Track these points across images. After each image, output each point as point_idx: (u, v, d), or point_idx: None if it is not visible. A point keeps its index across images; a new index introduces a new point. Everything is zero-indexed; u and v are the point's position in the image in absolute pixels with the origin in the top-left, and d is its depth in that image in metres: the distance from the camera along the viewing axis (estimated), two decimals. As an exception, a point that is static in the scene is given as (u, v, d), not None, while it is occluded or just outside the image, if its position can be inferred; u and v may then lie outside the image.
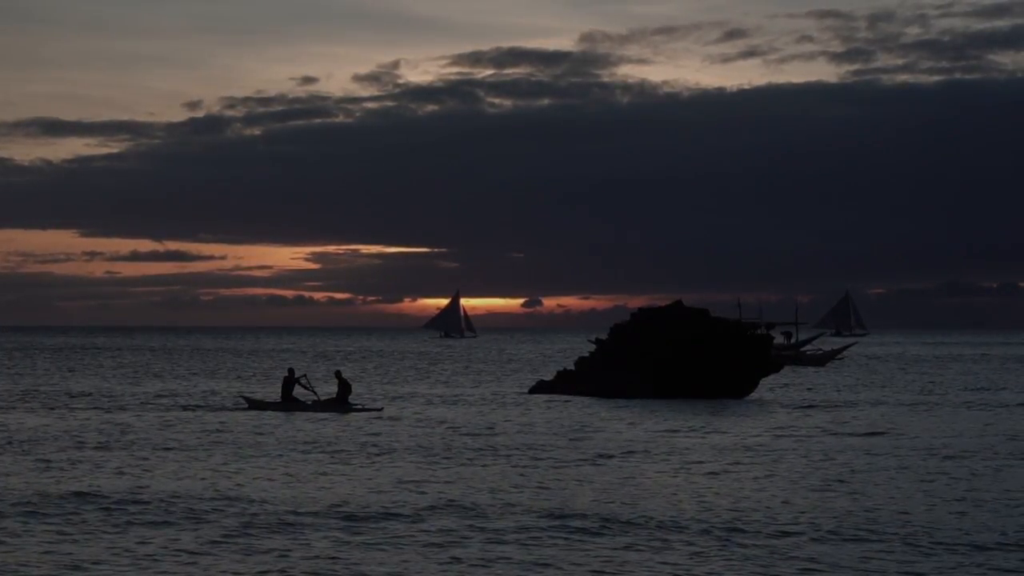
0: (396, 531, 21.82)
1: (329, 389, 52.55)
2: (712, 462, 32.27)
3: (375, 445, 36.37)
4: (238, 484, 27.83)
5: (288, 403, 49.23)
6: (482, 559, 19.65)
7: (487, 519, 23.10)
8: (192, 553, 20.05)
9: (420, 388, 68.80)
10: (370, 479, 28.85)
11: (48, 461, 32.29)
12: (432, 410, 51.33)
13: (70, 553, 20.07)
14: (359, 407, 49.35)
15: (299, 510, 24.04)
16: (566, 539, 21.17)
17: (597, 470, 30.66)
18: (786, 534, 21.64)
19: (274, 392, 55.90)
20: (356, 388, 56.89)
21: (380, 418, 46.26)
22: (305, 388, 49.62)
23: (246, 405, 50.97)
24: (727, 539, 21.19)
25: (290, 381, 49.99)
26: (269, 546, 20.51)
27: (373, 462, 32.17)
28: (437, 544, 20.67)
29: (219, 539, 21.13)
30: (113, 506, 24.60)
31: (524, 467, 31.21)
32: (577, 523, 22.61)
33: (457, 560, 19.57)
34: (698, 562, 19.44)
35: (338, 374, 52.02)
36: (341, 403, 48.86)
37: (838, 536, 21.51)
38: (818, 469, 30.95)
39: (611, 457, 33.32)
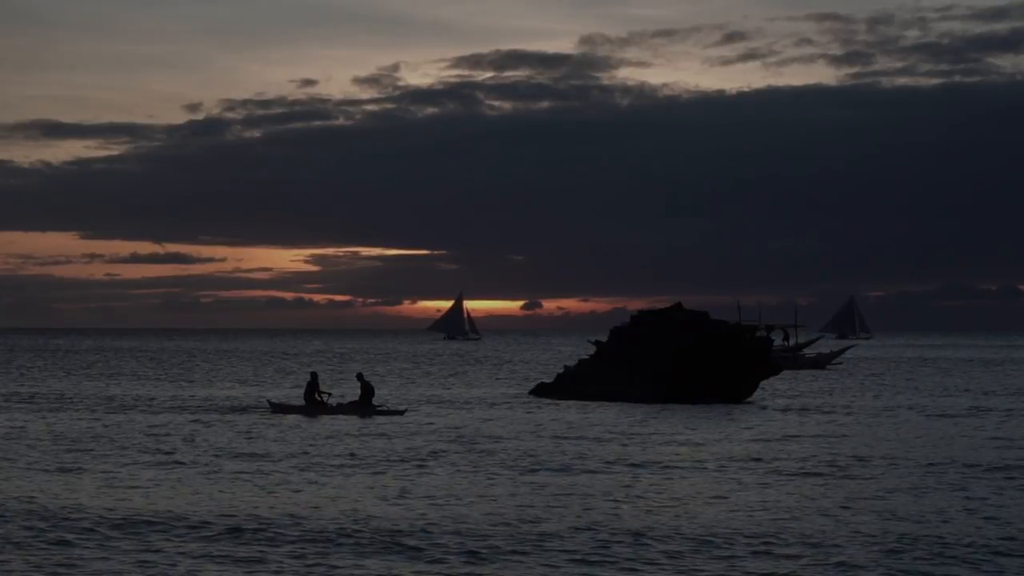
0: (364, 542, 21.48)
1: (350, 393, 52.63)
2: (702, 469, 32.24)
3: (355, 453, 36.33)
4: (220, 492, 28.00)
5: (311, 406, 49.35)
6: (464, 569, 19.70)
7: (471, 527, 23.15)
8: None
9: (419, 390, 68.86)
10: (344, 487, 28.94)
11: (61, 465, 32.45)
12: (429, 412, 51.29)
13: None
14: (383, 408, 49.49)
15: (277, 519, 24.12)
16: (545, 550, 20.87)
17: (587, 478, 30.55)
18: (768, 541, 21.71)
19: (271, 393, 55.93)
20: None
21: (404, 422, 46.00)
22: (319, 399, 49.72)
23: (269, 409, 51.12)
24: (710, 547, 21.18)
25: (313, 385, 50.08)
26: (240, 555, 20.44)
27: (352, 469, 32.13)
28: (414, 555, 20.52)
29: (191, 551, 21.13)
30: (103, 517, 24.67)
31: (512, 475, 31.16)
32: (558, 534, 22.45)
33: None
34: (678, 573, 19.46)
35: (360, 376, 51.89)
36: (364, 406, 48.94)
37: (824, 545, 21.55)
38: (809, 476, 31.01)
39: (600, 463, 33.21)
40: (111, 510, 24.42)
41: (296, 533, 22.05)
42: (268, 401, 53.34)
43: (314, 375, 51.90)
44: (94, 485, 28.20)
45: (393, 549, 20.74)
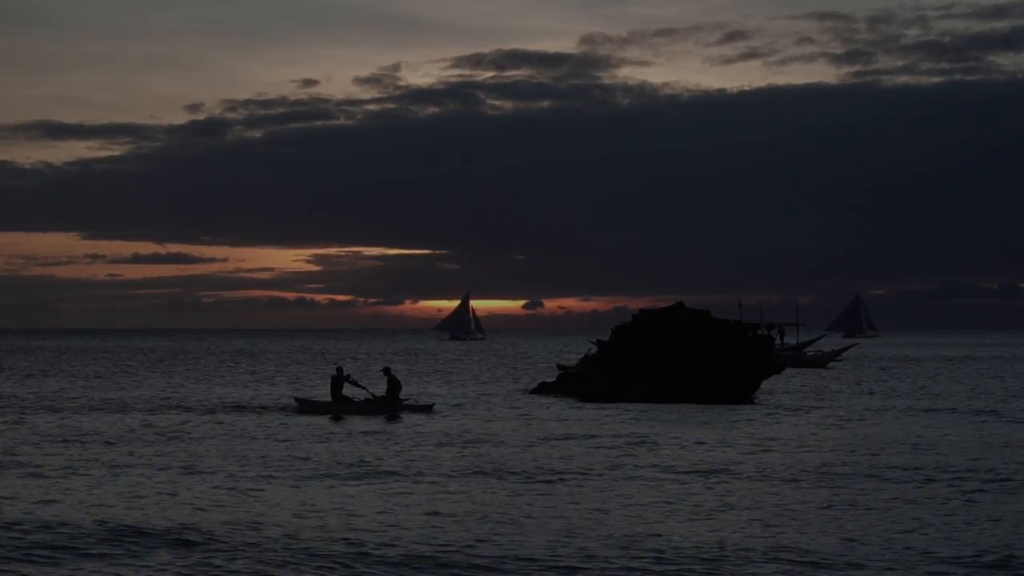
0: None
1: (377, 387, 52.52)
2: (702, 471, 31.92)
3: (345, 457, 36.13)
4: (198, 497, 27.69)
5: (339, 403, 48.99)
6: None
7: (461, 530, 22.89)
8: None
9: (422, 389, 68.64)
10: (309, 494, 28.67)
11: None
12: (430, 411, 50.98)
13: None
14: (412, 403, 49.30)
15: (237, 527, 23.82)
16: (535, 557, 20.41)
17: (584, 480, 30.21)
18: (768, 546, 21.41)
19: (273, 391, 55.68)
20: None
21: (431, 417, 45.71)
22: (355, 385, 49.51)
23: (296, 406, 50.70)
24: (707, 551, 20.85)
25: (339, 380, 49.70)
26: (199, 562, 20.02)
27: (346, 472, 31.86)
28: (395, 564, 20.19)
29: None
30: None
31: (508, 476, 30.84)
32: (548, 539, 21.98)
33: None
34: None
35: (387, 371, 51.34)
36: (391, 401, 48.70)
37: (825, 551, 21.26)
38: (810, 478, 30.67)
39: (599, 464, 32.92)
40: (100, 515, 24.06)
41: (272, 543, 21.52)
42: (295, 399, 53.00)
43: (339, 370, 51.30)
44: (84, 489, 27.84)
45: (379, 559, 20.37)
